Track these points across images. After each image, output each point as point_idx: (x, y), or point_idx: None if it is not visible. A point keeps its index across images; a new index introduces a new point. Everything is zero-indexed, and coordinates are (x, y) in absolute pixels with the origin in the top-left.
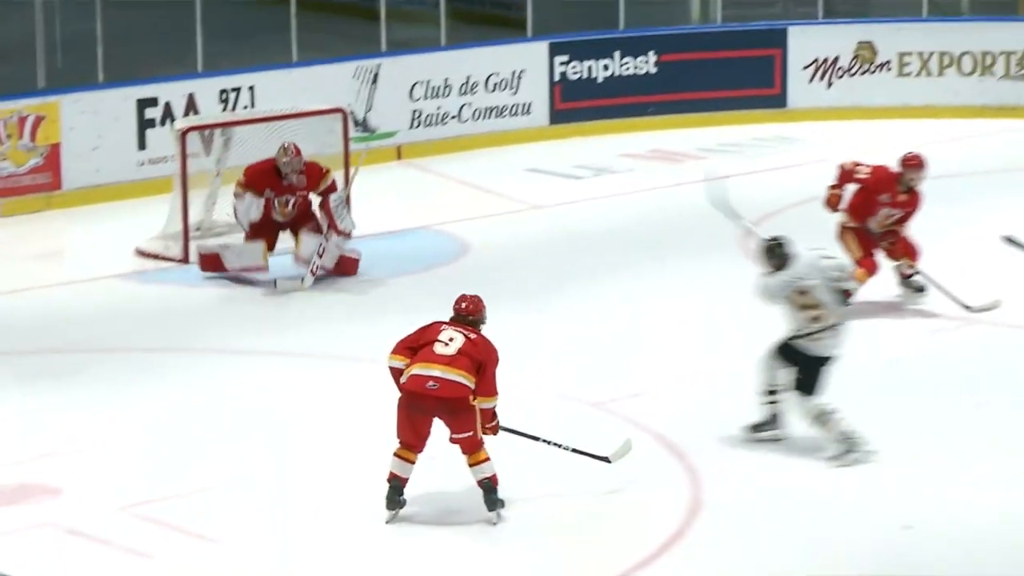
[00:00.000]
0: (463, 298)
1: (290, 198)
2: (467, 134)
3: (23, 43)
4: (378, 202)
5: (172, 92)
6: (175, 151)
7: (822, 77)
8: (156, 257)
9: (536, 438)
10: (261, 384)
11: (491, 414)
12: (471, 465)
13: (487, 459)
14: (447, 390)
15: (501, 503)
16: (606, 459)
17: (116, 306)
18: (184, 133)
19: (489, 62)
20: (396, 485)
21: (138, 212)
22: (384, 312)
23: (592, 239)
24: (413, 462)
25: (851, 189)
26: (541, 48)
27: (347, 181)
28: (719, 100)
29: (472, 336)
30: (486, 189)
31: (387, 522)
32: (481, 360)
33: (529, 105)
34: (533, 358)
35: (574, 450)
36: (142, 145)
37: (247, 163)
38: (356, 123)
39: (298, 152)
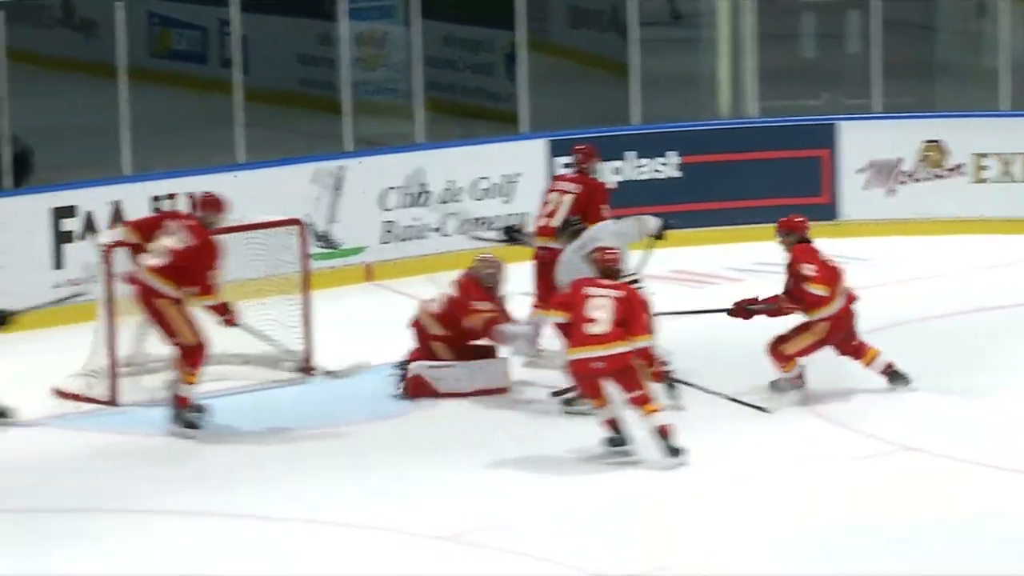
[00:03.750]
0: (602, 250)
1: None
2: (450, 250)
3: None
4: (342, 332)
5: (94, 199)
6: (99, 271)
7: (880, 183)
8: (77, 398)
9: (701, 388)
10: (201, 550)
11: (651, 354)
12: (644, 416)
13: (657, 410)
14: (612, 364)
15: (678, 450)
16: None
17: (28, 458)
18: (109, 249)
19: (476, 164)
20: (615, 427)
21: (54, 344)
22: (343, 467)
23: None
24: (611, 402)
25: None
26: (538, 147)
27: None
28: (755, 210)
29: (619, 294)
30: None
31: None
32: (631, 312)
33: (524, 215)
34: (535, 521)
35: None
36: (58, 264)
37: None
38: (317, 237)
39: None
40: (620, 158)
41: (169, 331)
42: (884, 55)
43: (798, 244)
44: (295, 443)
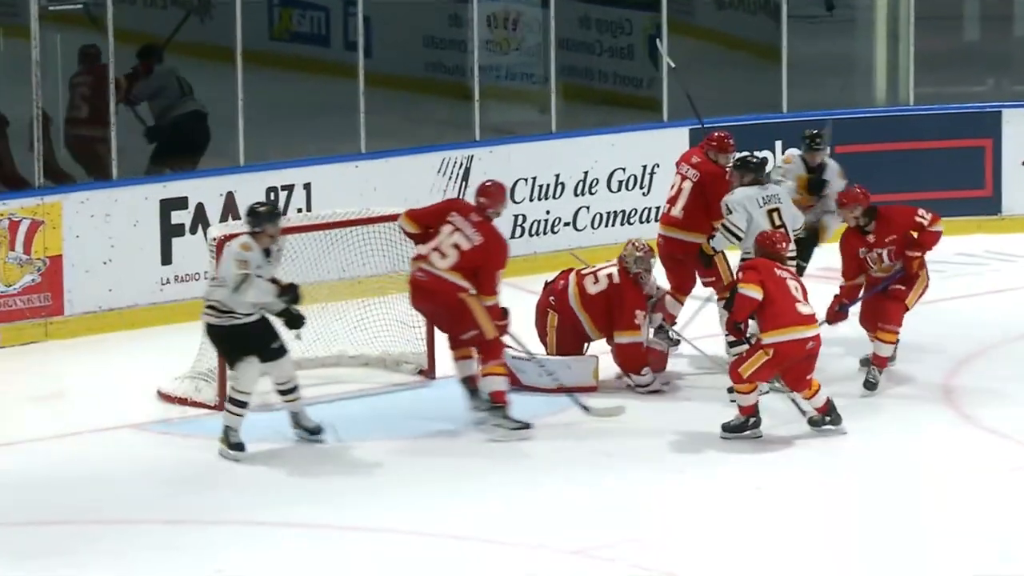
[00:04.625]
0: (775, 234)
1: None
2: (584, 245)
3: (16, 129)
4: None
5: (206, 191)
6: (209, 266)
7: None
8: (183, 402)
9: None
10: (318, 565)
11: None
12: (812, 397)
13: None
14: (818, 345)
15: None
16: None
17: (130, 465)
18: (221, 243)
19: (613, 154)
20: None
21: (161, 344)
22: (460, 477)
23: None
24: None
25: None
26: (680, 136)
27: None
28: (911, 204)
29: (798, 281)
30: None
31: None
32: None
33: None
34: (666, 535)
35: None
36: (167, 259)
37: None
38: None
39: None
40: (769, 147)
41: (470, 324)
42: None
43: (876, 211)
44: (412, 451)
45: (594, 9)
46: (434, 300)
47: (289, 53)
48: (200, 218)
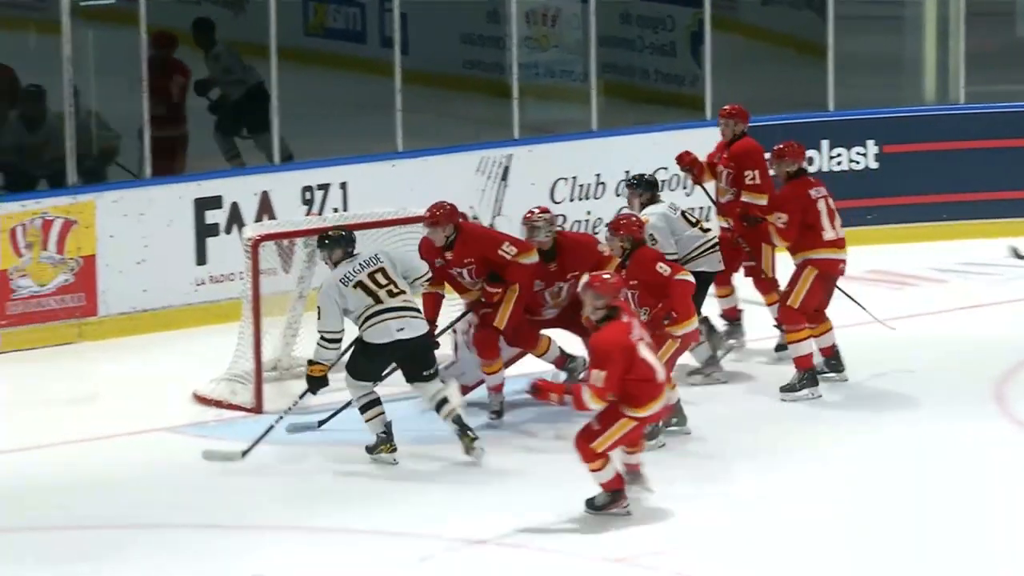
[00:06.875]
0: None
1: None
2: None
3: (50, 127)
4: None
5: (241, 190)
6: (244, 267)
7: None
8: (219, 405)
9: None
10: (338, 571)
11: None
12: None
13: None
14: None
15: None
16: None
17: (166, 468)
18: (256, 244)
19: (655, 152)
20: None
21: (196, 346)
22: (507, 478)
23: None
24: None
25: None
26: None
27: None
28: (961, 205)
29: None
30: None
31: None
32: None
33: (708, 209)
34: (701, 544)
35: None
36: (201, 259)
37: None
38: None
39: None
40: (814, 147)
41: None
42: None
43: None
44: (446, 456)
45: (635, 5)
46: None
47: (324, 50)
48: (235, 218)
